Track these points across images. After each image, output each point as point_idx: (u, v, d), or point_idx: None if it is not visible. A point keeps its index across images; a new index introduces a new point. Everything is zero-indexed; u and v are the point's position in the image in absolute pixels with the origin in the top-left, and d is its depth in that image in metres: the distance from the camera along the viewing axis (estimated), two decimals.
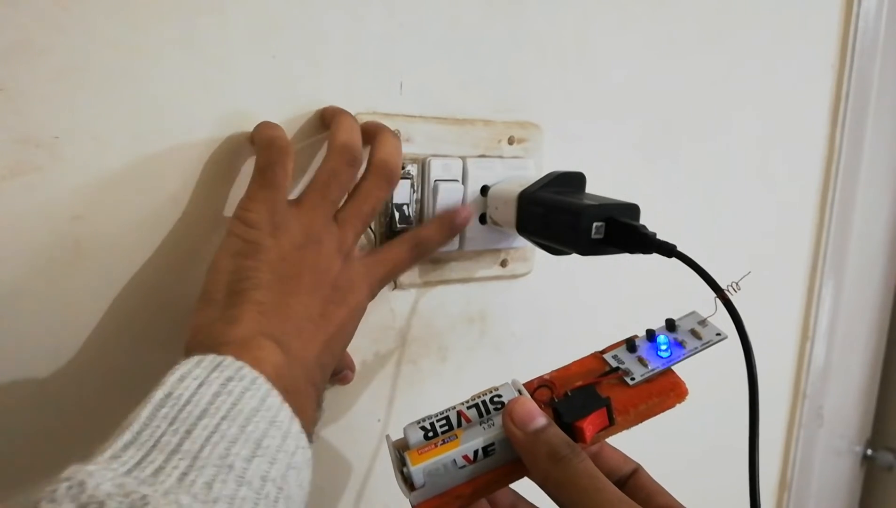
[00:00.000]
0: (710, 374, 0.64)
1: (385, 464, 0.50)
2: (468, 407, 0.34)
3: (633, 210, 0.39)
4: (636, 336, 0.36)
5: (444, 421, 0.33)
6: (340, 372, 0.44)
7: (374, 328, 0.47)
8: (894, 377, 1.13)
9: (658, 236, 0.37)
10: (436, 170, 0.45)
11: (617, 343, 0.37)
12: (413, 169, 0.45)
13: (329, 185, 0.37)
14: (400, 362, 0.49)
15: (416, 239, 0.41)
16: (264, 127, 0.38)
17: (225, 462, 0.24)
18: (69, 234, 0.36)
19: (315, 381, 0.32)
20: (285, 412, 0.27)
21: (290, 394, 0.28)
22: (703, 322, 0.36)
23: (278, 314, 0.32)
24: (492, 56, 0.48)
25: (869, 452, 1.13)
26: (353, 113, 0.42)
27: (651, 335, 0.36)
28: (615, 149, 0.57)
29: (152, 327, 0.39)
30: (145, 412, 0.25)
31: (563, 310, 0.57)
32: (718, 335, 0.35)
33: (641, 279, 0.61)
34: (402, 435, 0.34)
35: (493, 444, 0.32)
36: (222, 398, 0.26)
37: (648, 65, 0.57)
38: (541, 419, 0.31)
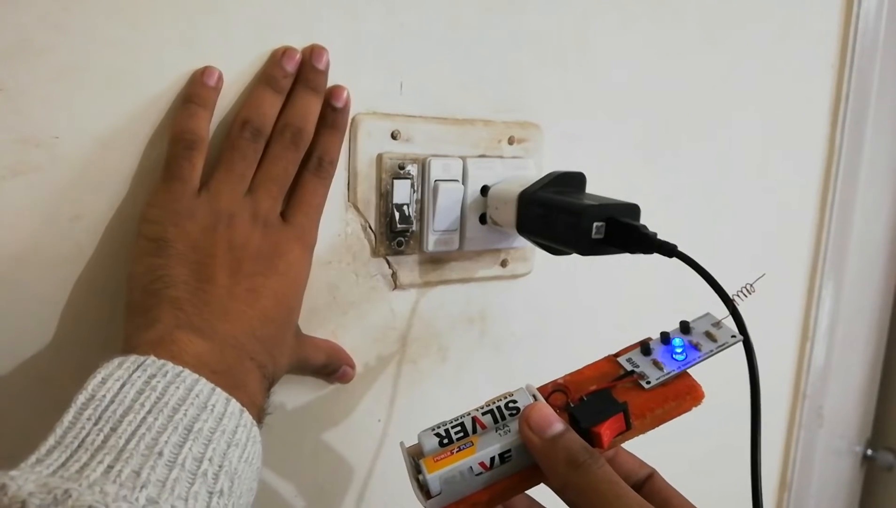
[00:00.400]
0: (710, 374, 0.64)
1: (386, 465, 0.50)
2: (483, 413, 0.33)
3: (633, 210, 0.39)
4: (650, 339, 0.36)
5: (459, 428, 0.33)
6: (339, 369, 0.44)
7: (374, 329, 0.47)
8: (894, 377, 1.13)
9: (659, 237, 0.37)
10: (436, 170, 0.45)
11: (631, 346, 0.36)
12: (413, 169, 0.45)
13: (231, 159, 0.36)
14: (400, 362, 0.49)
15: (313, 160, 0.39)
16: (177, 119, 0.36)
17: (153, 451, 0.24)
18: (69, 234, 0.36)
19: (255, 355, 0.33)
20: (218, 396, 0.28)
21: (219, 374, 0.29)
22: (717, 324, 0.35)
23: (196, 304, 0.32)
24: (492, 56, 0.48)
25: (869, 452, 1.13)
26: (352, 113, 0.42)
27: (666, 338, 0.35)
28: (615, 149, 0.57)
29: None
30: (68, 416, 0.25)
31: (563, 310, 0.57)
32: (734, 336, 0.34)
33: (642, 280, 0.61)
34: (416, 441, 0.34)
35: (509, 450, 0.31)
36: (146, 394, 0.26)
37: (648, 65, 0.57)
38: (558, 424, 0.30)
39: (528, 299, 0.54)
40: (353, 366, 0.46)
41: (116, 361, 0.28)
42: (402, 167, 0.44)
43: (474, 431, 0.33)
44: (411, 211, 0.45)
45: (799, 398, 0.84)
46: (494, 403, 0.34)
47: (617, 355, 0.36)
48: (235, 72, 0.38)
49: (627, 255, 0.38)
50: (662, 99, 0.59)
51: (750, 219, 0.70)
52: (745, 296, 0.33)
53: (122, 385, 0.26)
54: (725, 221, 0.68)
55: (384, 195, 0.44)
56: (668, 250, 0.36)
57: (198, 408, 0.26)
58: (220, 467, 0.26)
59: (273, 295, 0.35)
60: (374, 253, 0.45)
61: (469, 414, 0.34)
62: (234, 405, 0.28)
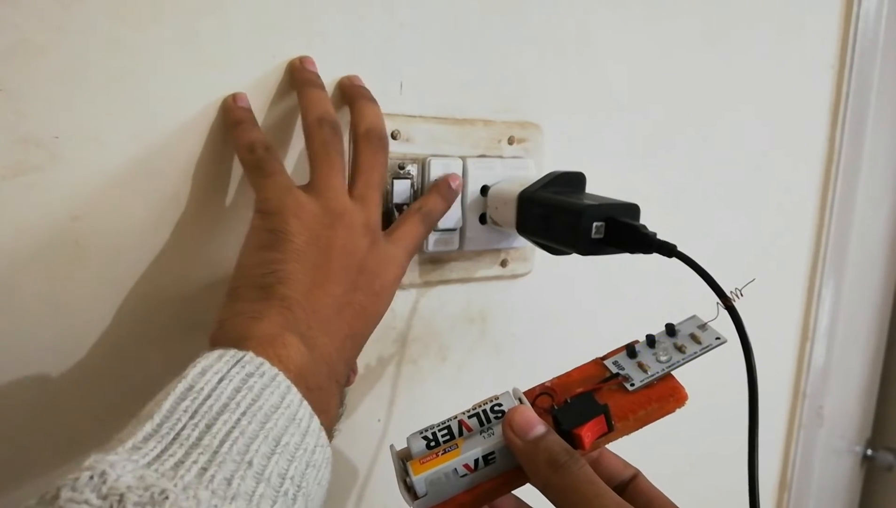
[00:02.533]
0: (709, 374, 0.64)
1: (385, 465, 0.50)
2: (469, 416, 0.34)
3: (633, 210, 0.39)
4: (637, 342, 0.36)
5: (445, 431, 0.34)
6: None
7: None
8: (894, 377, 1.13)
9: (658, 236, 0.37)
10: (436, 170, 0.45)
11: (618, 349, 0.37)
12: (413, 169, 0.45)
13: (329, 155, 0.36)
14: (400, 362, 0.49)
15: (423, 210, 0.41)
16: (238, 134, 0.36)
17: (245, 459, 0.24)
18: (69, 234, 0.36)
19: (338, 377, 0.32)
20: (305, 410, 0.27)
21: (313, 391, 0.28)
22: (703, 327, 0.36)
23: (305, 309, 0.31)
24: (492, 56, 0.48)
25: (869, 452, 1.13)
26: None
27: (651, 341, 0.36)
28: (615, 149, 0.57)
29: (152, 326, 0.39)
30: (167, 403, 0.24)
31: (563, 310, 0.57)
32: (718, 339, 0.35)
33: (641, 279, 0.61)
34: (405, 443, 0.34)
35: (493, 453, 0.32)
36: (242, 394, 0.25)
37: (648, 65, 0.57)
38: (540, 426, 0.31)
39: (528, 299, 0.54)
40: (355, 372, 0.46)
41: (217, 353, 0.27)
42: (402, 167, 0.44)
43: (460, 434, 0.33)
44: None
45: (799, 397, 0.84)
46: (480, 406, 0.35)
47: (604, 357, 0.37)
48: (235, 71, 0.38)
49: (627, 255, 0.39)
50: (662, 99, 0.59)
51: (750, 219, 0.70)
52: (735, 300, 0.33)
53: (221, 380, 0.26)
54: (725, 221, 0.68)
55: (384, 195, 0.44)
56: (668, 250, 0.36)
57: (287, 419, 0.26)
58: (298, 487, 0.25)
59: (366, 316, 0.34)
60: None
61: (456, 418, 0.34)
62: (316, 422, 0.27)
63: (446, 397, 0.52)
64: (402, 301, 0.48)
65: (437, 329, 0.50)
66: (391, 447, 0.35)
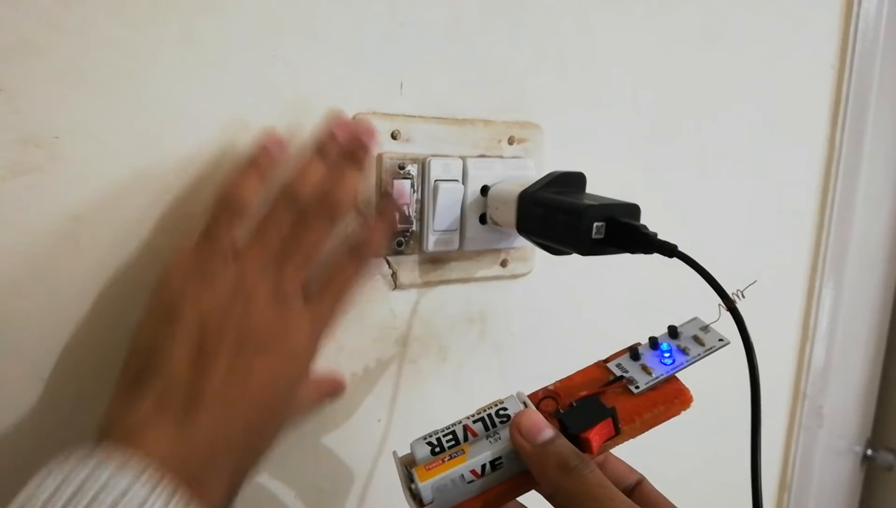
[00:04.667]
0: (710, 374, 0.64)
1: (387, 466, 0.50)
2: (474, 421, 0.34)
3: (633, 210, 0.39)
4: (639, 344, 0.36)
5: (450, 436, 0.33)
6: (320, 401, 0.43)
7: (374, 328, 0.47)
8: (894, 377, 1.13)
9: (659, 237, 0.37)
10: (436, 170, 0.45)
11: (620, 352, 0.37)
12: (413, 169, 0.45)
13: (265, 227, 0.34)
14: (400, 362, 0.49)
15: (358, 252, 0.37)
16: (229, 181, 0.35)
17: None
18: (69, 234, 0.36)
19: (231, 452, 0.30)
20: (159, 495, 0.26)
21: (184, 476, 0.27)
22: (705, 328, 0.35)
23: (189, 385, 0.30)
24: (492, 56, 0.48)
25: (869, 452, 1.13)
26: (353, 113, 0.42)
27: (654, 343, 0.36)
28: (615, 149, 0.57)
29: None
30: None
31: (563, 310, 0.57)
32: (721, 340, 0.35)
33: (642, 280, 0.61)
34: (408, 449, 0.34)
35: (500, 458, 0.31)
36: (80, 496, 0.25)
37: (648, 65, 0.57)
38: (548, 430, 0.31)
39: (528, 299, 0.54)
40: (340, 389, 0.44)
41: (64, 454, 0.26)
42: (402, 167, 0.44)
43: (465, 439, 0.33)
44: (411, 211, 0.45)
45: (799, 398, 0.84)
46: (485, 411, 0.34)
47: (606, 360, 0.37)
48: (235, 71, 0.38)
49: (627, 255, 0.38)
50: (662, 99, 0.59)
51: (750, 219, 0.70)
52: (737, 301, 0.33)
53: (60, 484, 0.25)
54: (726, 221, 0.68)
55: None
56: (669, 250, 0.36)
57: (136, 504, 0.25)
58: None
59: (269, 375, 0.32)
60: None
61: (460, 422, 0.34)
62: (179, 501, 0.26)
63: (446, 397, 0.52)
64: (402, 301, 0.48)
65: (437, 329, 0.50)
66: (394, 453, 0.34)
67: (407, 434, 0.50)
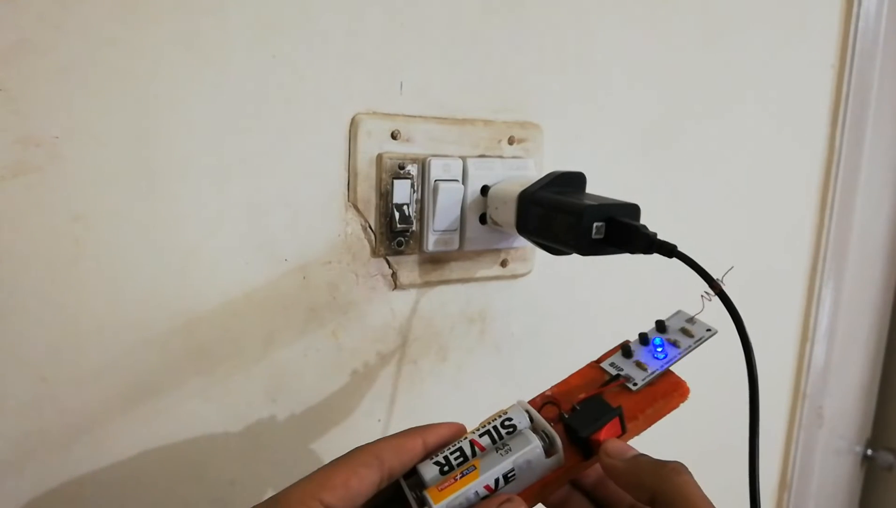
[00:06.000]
0: (710, 374, 0.64)
1: None
2: (480, 435, 0.33)
3: (633, 210, 0.39)
4: (629, 341, 0.36)
5: (458, 453, 0.32)
6: None
7: (374, 328, 0.47)
8: (894, 377, 1.13)
9: (658, 237, 0.37)
10: (436, 170, 0.45)
11: (611, 351, 0.37)
12: (413, 169, 0.45)
13: None
14: (400, 362, 0.49)
15: None
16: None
17: None
18: (69, 234, 0.36)
19: None
20: None
21: None
22: (691, 320, 0.36)
23: None
24: (492, 56, 0.48)
25: (869, 452, 1.13)
26: (352, 113, 0.42)
27: (644, 339, 0.36)
28: (615, 149, 0.57)
29: (152, 327, 0.39)
30: None
31: (563, 310, 0.57)
32: (709, 330, 0.35)
33: (641, 279, 0.61)
34: (415, 472, 0.32)
35: (512, 470, 0.31)
36: None
37: (648, 65, 0.57)
38: (632, 448, 0.31)
39: (528, 299, 0.54)
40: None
41: None
42: (402, 167, 0.44)
43: (474, 454, 0.32)
44: (411, 211, 0.45)
45: (799, 398, 0.84)
46: (490, 423, 0.33)
47: (599, 360, 0.37)
48: (236, 71, 0.38)
49: (627, 255, 0.38)
50: (662, 99, 0.59)
51: (750, 219, 0.70)
52: (711, 297, 0.33)
53: None
54: (725, 221, 0.68)
55: (384, 195, 0.44)
56: (668, 250, 0.36)
57: None
58: None
59: None
60: (374, 253, 0.45)
61: (466, 438, 0.33)
62: None
63: (446, 397, 0.52)
64: (402, 301, 0.48)
65: (437, 329, 0.50)
66: (400, 479, 0.32)
67: None
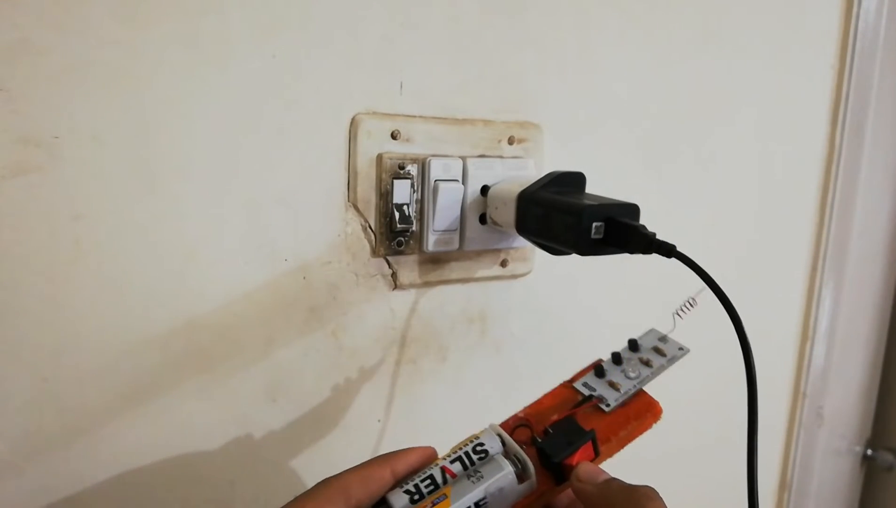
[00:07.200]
0: (709, 374, 0.64)
1: None
2: (451, 461, 0.32)
3: (632, 210, 0.39)
4: (602, 360, 0.36)
5: (428, 481, 0.31)
6: None
7: (373, 328, 0.47)
8: (894, 377, 1.13)
9: (658, 237, 0.37)
10: (436, 170, 0.45)
11: (584, 370, 0.37)
12: (413, 169, 0.45)
13: None
14: (400, 362, 0.49)
15: None
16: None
17: None
18: (69, 234, 0.36)
19: None
20: None
21: None
22: (663, 339, 0.36)
23: None
24: (492, 56, 0.48)
25: (869, 452, 1.13)
26: (352, 113, 0.42)
27: (617, 358, 0.36)
28: (615, 149, 0.57)
29: (152, 327, 0.39)
30: None
31: (563, 310, 0.57)
32: (681, 349, 0.35)
33: (641, 280, 0.61)
34: (385, 500, 0.31)
35: (484, 498, 0.30)
36: None
37: (648, 64, 0.57)
38: (603, 472, 0.31)
39: (528, 299, 0.54)
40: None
41: None
42: (402, 167, 0.44)
43: (445, 482, 0.31)
44: (411, 211, 0.45)
45: (799, 397, 0.84)
46: (461, 448, 0.32)
47: (572, 380, 0.36)
48: (236, 71, 0.38)
49: (626, 255, 0.39)
50: (662, 98, 0.59)
51: (750, 219, 0.70)
52: (689, 310, 0.33)
53: None
54: (725, 221, 0.68)
55: (384, 195, 0.44)
56: (667, 250, 0.36)
57: None
58: None
59: None
60: (374, 253, 0.45)
61: (437, 465, 0.32)
62: None
63: (446, 397, 0.52)
64: (402, 301, 0.48)
65: (436, 329, 0.50)
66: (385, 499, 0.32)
67: (406, 434, 0.50)
